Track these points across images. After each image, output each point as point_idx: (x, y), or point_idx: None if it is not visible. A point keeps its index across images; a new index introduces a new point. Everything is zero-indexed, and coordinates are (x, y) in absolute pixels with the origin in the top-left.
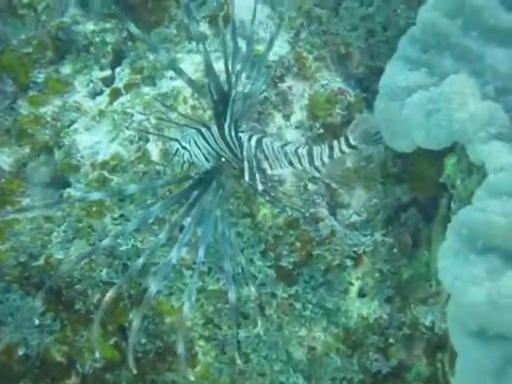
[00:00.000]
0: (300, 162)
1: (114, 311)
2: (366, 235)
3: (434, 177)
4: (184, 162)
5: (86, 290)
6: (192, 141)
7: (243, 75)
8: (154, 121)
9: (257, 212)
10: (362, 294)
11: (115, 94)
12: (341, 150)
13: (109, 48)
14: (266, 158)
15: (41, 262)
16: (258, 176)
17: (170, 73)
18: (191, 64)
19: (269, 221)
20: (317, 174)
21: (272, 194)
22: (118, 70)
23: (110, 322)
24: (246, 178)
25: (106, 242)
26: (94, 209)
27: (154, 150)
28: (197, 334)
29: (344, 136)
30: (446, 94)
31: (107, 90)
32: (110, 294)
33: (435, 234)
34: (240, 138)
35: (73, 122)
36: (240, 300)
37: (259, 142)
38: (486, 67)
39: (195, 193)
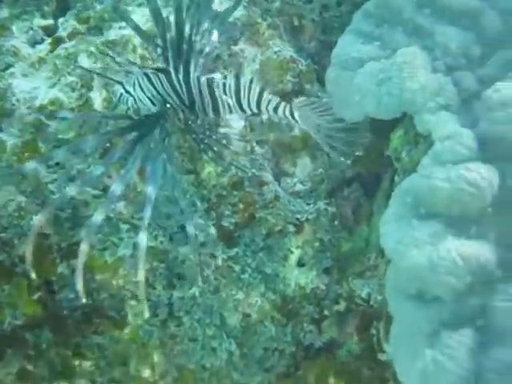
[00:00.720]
0: (249, 103)
1: (42, 264)
2: (309, 204)
3: (378, 152)
4: (128, 108)
5: (11, 240)
6: (137, 84)
7: (201, 27)
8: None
9: (201, 169)
10: (301, 263)
11: (57, 43)
12: (284, 112)
13: None
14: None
15: None
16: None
17: (119, 24)
18: (142, 16)
19: (213, 179)
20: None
21: (215, 149)
22: (61, 20)
23: (37, 275)
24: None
25: (30, 164)
26: (26, 155)
27: (98, 98)
28: (128, 293)
29: (290, 104)
30: (398, 64)
31: (48, 39)
32: (39, 217)
33: (377, 207)
34: (189, 82)
35: (9, 66)
36: (177, 260)
37: (211, 80)
38: (437, 44)
39: (135, 133)
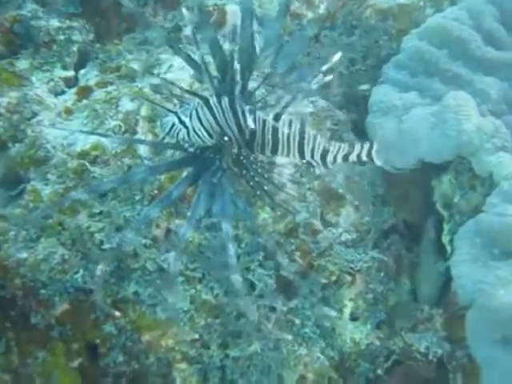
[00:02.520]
0: (312, 153)
1: (83, 324)
2: (359, 254)
3: (417, 199)
4: (178, 141)
5: (51, 298)
6: (194, 113)
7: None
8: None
9: (256, 215)
10: (354, 317)
11: (84, 92)
12: (359, 157)
13: (75, 47)
14: (277, 141)
15: None
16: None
17: (154, 72)
18: (178, 61)
19: (269, 226)
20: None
21: (266, 188)
22: (82, 71)
23: (76, 337)
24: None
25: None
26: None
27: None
28: (178, 355)
29: (370, 143)
30: (452, 107)
31: (73, 89)
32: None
33: (424, 257)
34: (253, 115)
35: (35, 114)
36: (231, 315)
37: (278, 116)
38: (477, 91)
39: (192, 168)
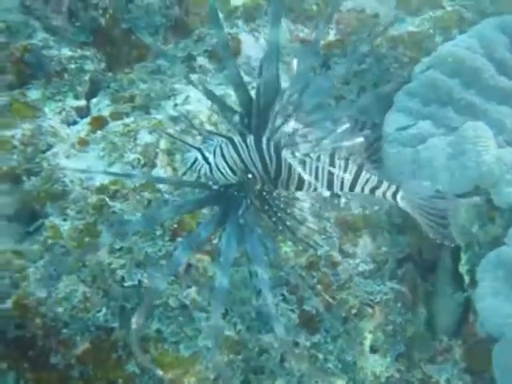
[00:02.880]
0: (342, 185)
1: (105, 363)
2: (378, 285)
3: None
4: (199, 176)
5: (72, 337)
6: (218, 150)
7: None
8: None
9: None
10: (373, 349)
11: (98, 122)
12: (384, 194)
13: (86, 76)
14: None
15: (7, 305)
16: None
17: (171, 102)
18: (195, 92)
19: (291, 260)
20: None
21: (289, 224)
22: (94, 100)
23: (98, 377)
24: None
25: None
26: (86, 239)
27: (162, 176)
28: None
29: (396, 186)
30: (471, 138)
31: (86, 119)
32: (137, 318)
33: (441, 287)
34: (279, 154)
35: (50, 146)
36: (253, 351)
37: (302, 161)
38: (492, 121)
39: (217, 206)
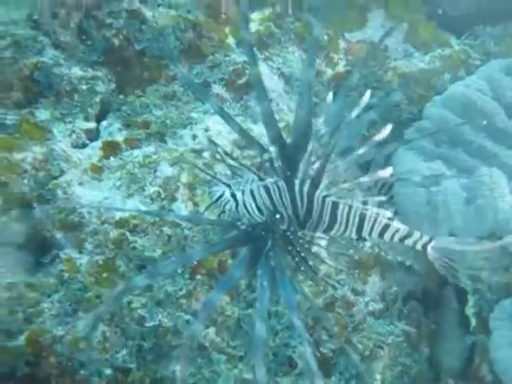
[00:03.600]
0: (371, 231)
1: None
2: (388, 325)
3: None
4: (223, 211)
5: (88, 378)
6: (247, 189)
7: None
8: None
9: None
10: None
11: (111, 148)
12: (414, 243)
13: (97, 98)
14: (335, 219)
15: (20, 341)
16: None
17: (186, 132)
18: (214, 123)
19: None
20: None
21: (311, 263)
22: (104, 123)
23: None
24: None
25: (140, 280)
26: (104, 275)
27: (183, 211)
28: None
29: (429, 238)
30: (489, 184)
31: (97, 143)
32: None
33: (447, 328)
34: (312, 198)
35: (63, 172)
36: None
37: (335, 205)
38: (503, 166)
39: (247, 247)
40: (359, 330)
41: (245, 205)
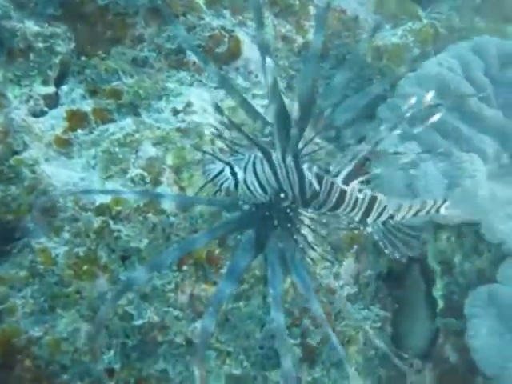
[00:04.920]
0: (378, 217)
1: None
2: (363, 309)
3: None
4: (219, 190)
5: (70, 383)
6: (250, 166)
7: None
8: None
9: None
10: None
11: (78, 119)
12: (428, 212)
13: (57, 59)
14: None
15: None
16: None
17: (161, 104)
18: (196, 98)
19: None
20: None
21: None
22: (64, 88)
23: None
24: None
25: (140, 272)
26: (84, 267)
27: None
28: None
29: (443, 199)
30: (469, 172)
31: (59, 111)
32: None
33: (413, 309)
34: (322, 180)
35: (26, 146)
36: None
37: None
38: (475, 150)
39: (252, 229)
40: (341, 317)
41: (246, 183)
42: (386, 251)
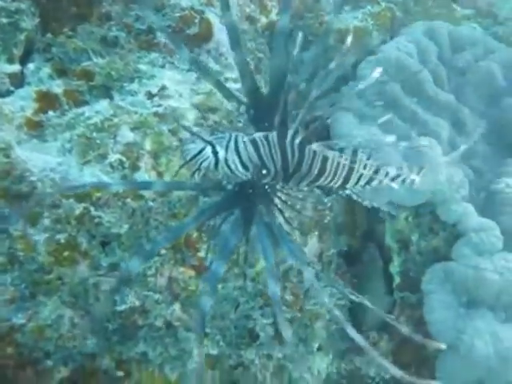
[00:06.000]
0: (358, 181)
1: None
2: (325, 286)
3: (361, 227)
4: (198, 169)
5: (52, 369)
6: (232, 144)
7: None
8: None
9: (256, 262)
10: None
11: (48, 100)
12: (404, 181)
13: (22, 36)
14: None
15: None
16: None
17: (134, 86)
18: (170, 81)
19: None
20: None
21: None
22: (30, 66)
23: None
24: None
25: (133, 262)
26: (65, 253)
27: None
28: None
29: (419, 167)
30: (429, 156)
31: (27, 91)
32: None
33: (371, 284)
34: (303, 151)
35: None
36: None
37: (325, 158)
38: (431, 133)
39: (238, 209)
40: (309, 296)
41: (227, 162)
42: (363, 203)
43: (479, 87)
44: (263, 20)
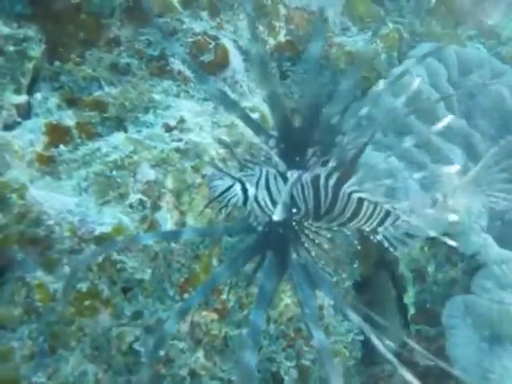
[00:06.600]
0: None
1: None
2: (343, 320)
3: (374, 257)
4: (225, 206)
5: None
6: (263, 182)
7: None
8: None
9: (279, 301)
10: None
11: (59, 133)
12: None
13: (30, 64)
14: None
15: None
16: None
17: (149, 117)
18: (189, 112)
19: (290, 311)
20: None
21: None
22: (38, 96)
23: None
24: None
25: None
26: (86, 303)
27: (168, 221)
28: None
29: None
30: (447, 186)
31: (35, 124)
32: None
33: (387, 316)
34: (338, 193)
35: (8, 166)
36: None
37: (360, 201)
38: (445, 159)
39: (272, 251)
40: (328, 332)
41: (257, 199)
42: (391, 250)
43: (489, 111)
44: (271, 41)
